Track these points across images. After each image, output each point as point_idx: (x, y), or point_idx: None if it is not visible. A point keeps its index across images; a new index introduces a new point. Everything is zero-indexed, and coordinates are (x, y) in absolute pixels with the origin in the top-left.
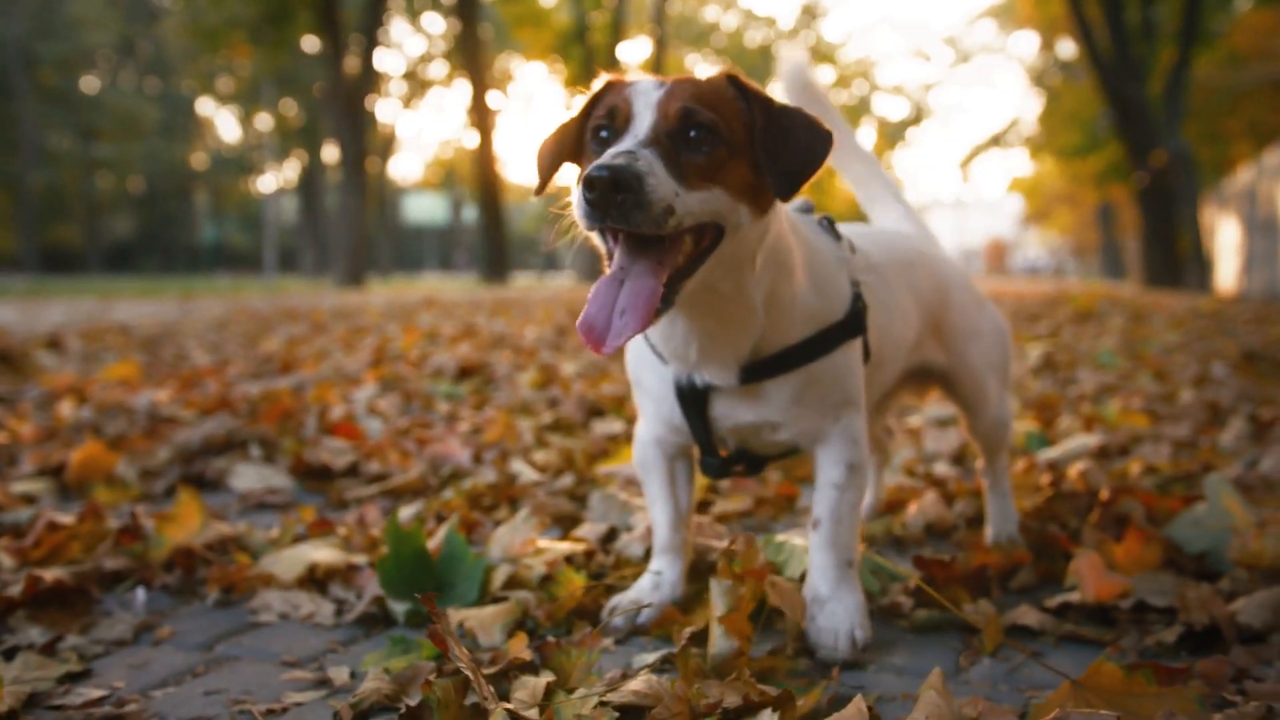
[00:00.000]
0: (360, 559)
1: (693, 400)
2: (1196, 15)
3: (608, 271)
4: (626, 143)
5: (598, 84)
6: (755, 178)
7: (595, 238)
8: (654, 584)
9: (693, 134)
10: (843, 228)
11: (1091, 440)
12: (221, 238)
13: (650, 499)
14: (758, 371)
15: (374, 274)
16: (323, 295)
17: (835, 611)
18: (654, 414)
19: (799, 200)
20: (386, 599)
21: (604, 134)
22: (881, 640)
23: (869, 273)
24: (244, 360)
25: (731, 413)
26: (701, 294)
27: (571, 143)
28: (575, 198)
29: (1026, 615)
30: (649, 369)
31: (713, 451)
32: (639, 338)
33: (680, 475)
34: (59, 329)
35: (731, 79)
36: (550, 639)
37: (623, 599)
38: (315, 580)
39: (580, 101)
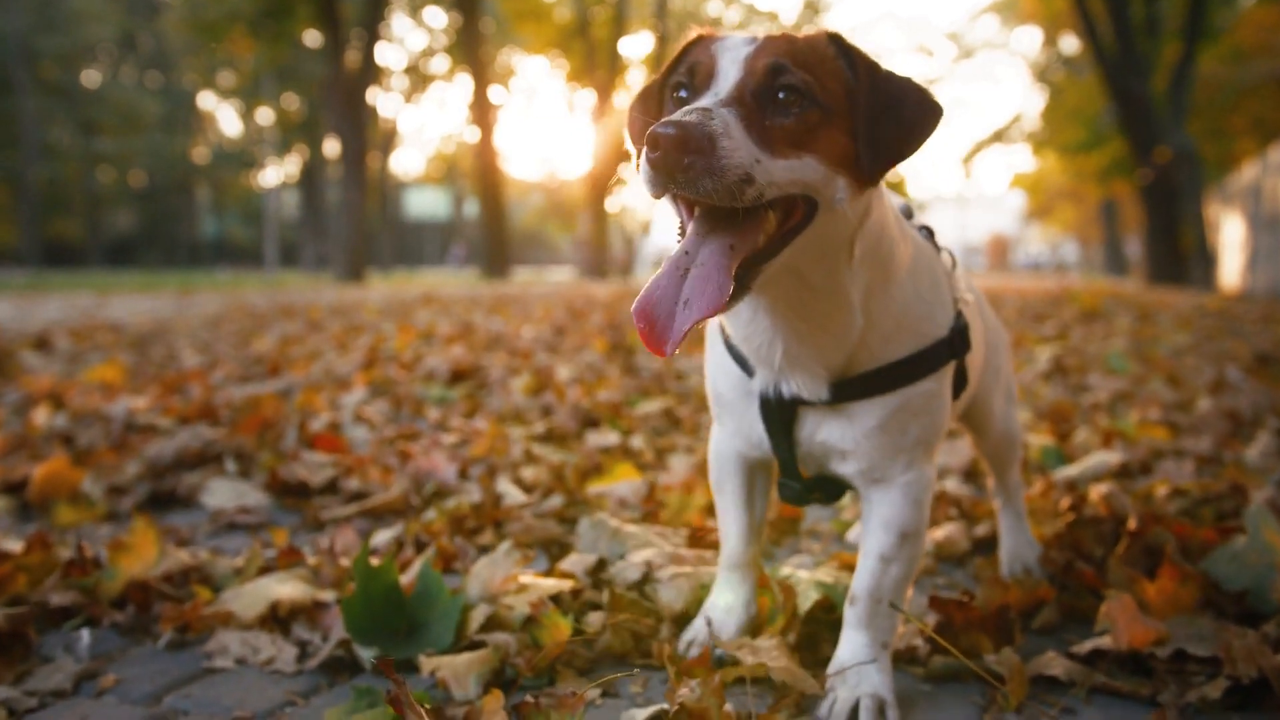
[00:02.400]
0: (328, 595)
1: (779, 414)
2: (1201, 11)
3: (672, 254)
4: (705, 100)
5: (686, 39)
6: (855, 148)
7: (670, 206)
8: (727, 609)
9: (781, 94)
10: None
11: (1112, 458)
12: (223, 232)
13: (723, 509)
14: (852, 389)
15: (375, 269)
16: (322, 291)
17: (855, 686)
18: (734, 428)
19: (897, 203)
20: (353, 643)
21: (682, 93)
22: (895, 694)
23: (970, 291)
24: (233, 361)
25: (816, 432)
26: (789, 284)
27: (654, 105)
28: (640, 160)
29: (1053, 664)
30: (728, 379)
31: (795, 474)
32: (719, 344)
33: (759, 485)
34: (50, 327)
35: (834, 37)
36: (529, 698)
37: (698, 631)
38: (278, 619)
39: (668, 59)
